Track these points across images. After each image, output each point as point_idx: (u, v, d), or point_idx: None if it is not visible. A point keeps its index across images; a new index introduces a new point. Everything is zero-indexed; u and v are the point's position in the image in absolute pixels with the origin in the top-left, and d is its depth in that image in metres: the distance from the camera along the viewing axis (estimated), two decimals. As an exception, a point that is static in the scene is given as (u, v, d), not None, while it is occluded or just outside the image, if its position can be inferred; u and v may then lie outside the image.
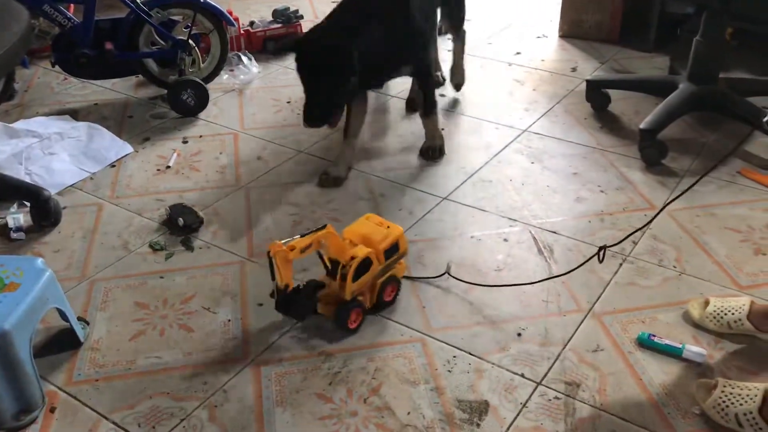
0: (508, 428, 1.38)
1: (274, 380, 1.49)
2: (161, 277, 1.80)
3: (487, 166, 2.26)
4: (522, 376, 1.49)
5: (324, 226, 1.54)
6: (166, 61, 2.65)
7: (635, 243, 1.87)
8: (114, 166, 2.30)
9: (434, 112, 2.31)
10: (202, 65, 2.70)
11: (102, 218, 2.04)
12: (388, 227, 1.65)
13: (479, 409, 1.42)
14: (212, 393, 1.46)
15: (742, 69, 2.77)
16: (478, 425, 1.38)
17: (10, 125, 2.44)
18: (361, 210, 2.01)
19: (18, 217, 1.99)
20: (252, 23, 3.15)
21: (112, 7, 2.72)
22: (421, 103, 2.33)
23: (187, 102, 2.57)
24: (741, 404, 1.34)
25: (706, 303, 1.62)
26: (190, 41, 2.58)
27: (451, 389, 1.46)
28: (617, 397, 1.44)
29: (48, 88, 2.84)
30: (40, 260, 1.48)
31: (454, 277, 1.76)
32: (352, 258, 1.55)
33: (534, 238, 1.92)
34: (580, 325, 1.62)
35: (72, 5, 2.67)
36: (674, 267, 1.80)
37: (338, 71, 1.95)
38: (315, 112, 1.99)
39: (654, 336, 1.55)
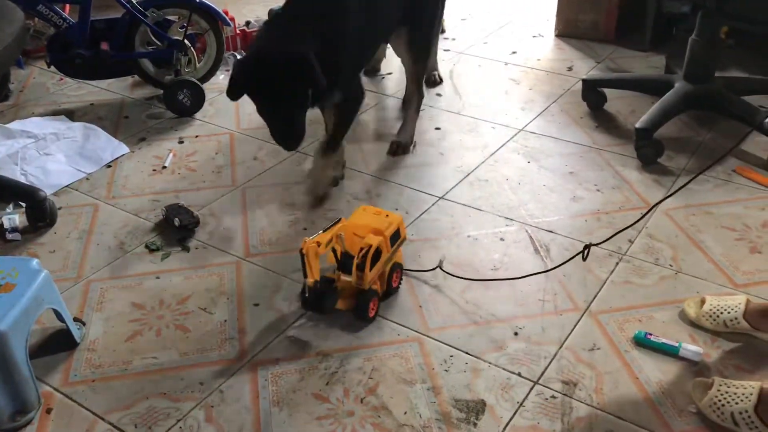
0: (504, 427, 1.38)
1: (270, 380, 1.49)
2: (157, 278, 1.80)
3: (484, 166, 2.26)
4: (519, 375, 1.49)
5: (339, 220, 1.59)
6: (162, 62, 2.65)
7: (631, 242, 1.88)
8: (110, 166, 2.30)
9: (335, 150, 2.08)
10: (198, 65, 2.69)
11: (98, 219, 2.03)
12: (387, 215, 1.68)
13: (476, 409, 1.42)
14: (209, 393, 1.46)
15: (738, 68, 2.78)
16: (475, 424, 1.38)
17: (6, 126, 2.44)
18: (357, 210, 2.01)
19: (14, 217, 1.99)
20: (248, 23, 3.15)
21: (107, 7, 2.72)
22: (328, 136, 2.10)
23: (183, 102, 2.57)
24: (737, 403, 1.34)
25: (703, 302, 1.62)
26: (186, 41, 2.57)
27: (447, 389, 1.46)
28: (614, 395, 1.44)
29: (43, 89, 2.83)
30: (35, 261, 1.48)
31: (444, 271, 1.76)
32: (363, 248, 1.57)
33: (530, 237, 1.92)
34: (576, 324, 1.62)
35: (67, 5, 2.66)
36: (670, 266, 1.80)
37: (302, 83, 1.79)
38: (290, 133, 1.86)
39: (650, 335, 1.55)
